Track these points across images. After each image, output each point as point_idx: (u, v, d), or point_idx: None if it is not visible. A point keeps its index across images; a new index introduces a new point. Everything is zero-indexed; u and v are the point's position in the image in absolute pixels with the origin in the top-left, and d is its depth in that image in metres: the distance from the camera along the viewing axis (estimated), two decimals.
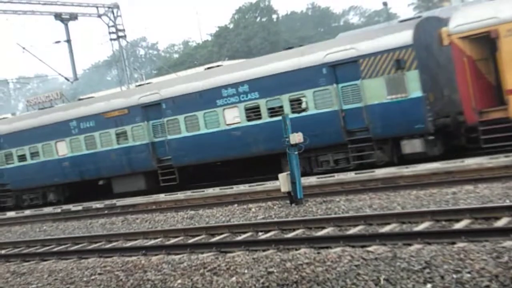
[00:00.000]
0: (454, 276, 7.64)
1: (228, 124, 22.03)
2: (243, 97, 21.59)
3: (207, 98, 22.41)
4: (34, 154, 27.72)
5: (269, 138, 20.53)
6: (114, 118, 24.94)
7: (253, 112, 21.53)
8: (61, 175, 26.90)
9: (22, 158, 28.20)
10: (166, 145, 23.74)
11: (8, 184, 28.82)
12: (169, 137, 23.64)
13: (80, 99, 30.60)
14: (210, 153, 22.65)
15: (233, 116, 21.86)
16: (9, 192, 28.98)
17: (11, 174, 28.78)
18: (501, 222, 10.08)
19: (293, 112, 20.20)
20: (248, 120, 21.58)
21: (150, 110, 24.04)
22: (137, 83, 36.83)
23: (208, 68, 25.66)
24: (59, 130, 26.63)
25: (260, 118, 21.27)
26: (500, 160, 15.28)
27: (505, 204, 11.10)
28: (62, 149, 26.63)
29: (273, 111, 20.94)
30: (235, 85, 21.73)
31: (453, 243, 9.07)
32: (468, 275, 7.59)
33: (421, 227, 10.69)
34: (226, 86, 21.96)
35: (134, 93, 25.47)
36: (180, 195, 21.20)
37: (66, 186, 27.56)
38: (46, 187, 27.87)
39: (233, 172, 24.11)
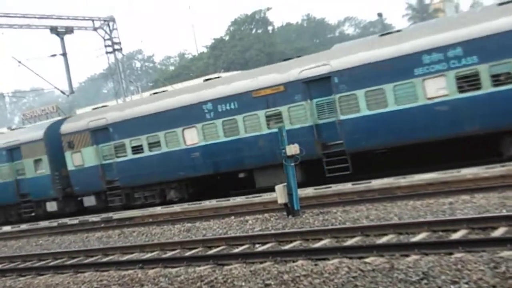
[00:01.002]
0: (452, 287, 7.64)
1: (429, 98, 18.07)
2: (453, 64, 17.66)
3: (400, 67, 18.49)
4: (153, 145, 23.59)
5: (490, 113, 17.12)
6: (264, 97, 20.97)
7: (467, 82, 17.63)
8: (188, 168, 22.75)
9: (137, 149, 24.14)
10: (337, 127, 19.79)
11: (116, 180, 24.99)
12: (343, 116, 19.63)
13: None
14: (405, 134, 18.60)
15: (437, 88, 17.91)
16: (117, 189, 25.11)
17: (122, 169, 24.71)
18: (498, 232, 10.08)
19: None
20: (460, 92, 17.63)
21: (314, 86, 20.06)
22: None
23: (384, 34, 21.26)
24: (188, 115, 22.53)
25: (479, 89, 17.28)
26: (497, 170, 15.31)
27: (502, 214, 11.10)
28: (192, 137, 22.59)
29: (498, 79, 17.10)
30: (442, 49, 17.82)
31: (451, 253, 9.07)
32: (466, 285, 7.58)
33: (418, 237, 10.68)
34: (429, 51, 18.02)
35: (293, 66, 21.01)
36: (176, 208, 21.17)
37: (192, 181, 23.47)
38: (167, 183, 23.72)
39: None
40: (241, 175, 22.48)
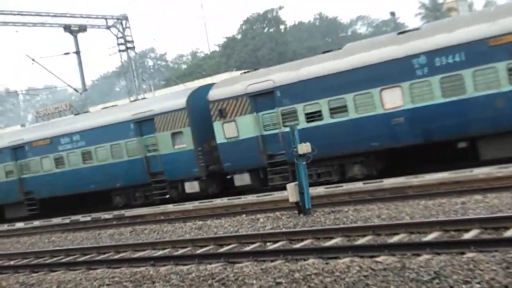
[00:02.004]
0: (464, 286, 7.60)
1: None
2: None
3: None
4: (337, 110, 19.83)
5: None
6: (506, 45, 16.96)
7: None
8: (385, 137, 18.99)
9: (313, 116, 20.33)
10: None
11: (281, 154, 21.14)
12: None
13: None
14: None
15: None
16: (282, 165, 21.33)
17: (290, 140, 19.30)
18: (511, 232, 10.02)
19: None
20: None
21: None
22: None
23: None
24: (388, 72, 18.76)
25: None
26: (510, 169, 15.20)
27: None
28: (393, 99, 18.77)
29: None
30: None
31: (463, 253, 9.02)
32: (478, 285, 7.54)
33: (430, 237, 10.64)
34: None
35: None
36: (188, 206, 21.22)
37: (386, 153, 19.99)
38: (349, 156, 20.10)
39: None
40: (462, 144, 18.73)
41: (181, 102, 23.68)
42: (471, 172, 15.89)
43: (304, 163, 15.30)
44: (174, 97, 24.85)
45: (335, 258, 10.13)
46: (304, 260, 10.41)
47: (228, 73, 50.51)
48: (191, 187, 23.71)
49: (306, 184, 15.25)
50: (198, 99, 23.52)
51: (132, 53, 41.64)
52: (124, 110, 26.41)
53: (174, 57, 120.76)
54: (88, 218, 23.46)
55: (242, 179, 22.33)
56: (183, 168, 23.61)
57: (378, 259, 9.37)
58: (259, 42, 77.34)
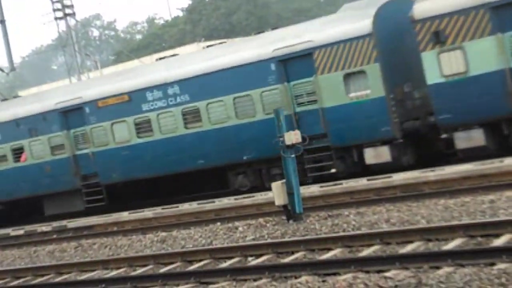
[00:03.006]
0: None
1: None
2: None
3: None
4: None
5: None
6: None
7: None
8: None
9: None
10: None
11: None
12: None
13: None
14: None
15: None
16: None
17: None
18: None
19: None
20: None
21: None
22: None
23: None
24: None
25: None
26: None
27: None
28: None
29: None
30: None
31: (492, 264, 9.11)
32: None
33: (452, 245, 10.73)
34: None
35: None
36: (148, 213, 21.17)
37: None
38: None
39: None
40: None
41: (363, 25, 19.74)
42: (501, 163, 16.04)
43: (293, 156, 15.32)
44: (348, 19, 20.59)
45: (334, 274, 10.18)
46: (296, 277, 10.44)
47: (195, 44, 50.37)
48: (377, 155, 19.63)
49: (296, 183, 15.27)
50: (388, 19, 20.20)
51: (72, 21, 41.43)
52: (257, 44, 21.86)
53: (126, 25, 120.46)
54: (21, 232, 23.31)
55: (469, 139, 18.56)
56: (363, 127, 19.75)
57: (387, 274, 9.44)
58: (233, 4, 77.14)
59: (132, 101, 23.10)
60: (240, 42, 23.28)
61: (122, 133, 23.50)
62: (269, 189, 17.71)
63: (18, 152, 25.63)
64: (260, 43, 21.55)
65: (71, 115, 24.54)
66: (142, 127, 23.11)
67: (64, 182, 24.78)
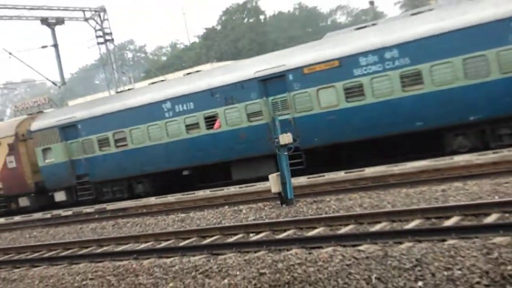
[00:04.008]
0: (445, 273, 7.68)
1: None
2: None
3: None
4: None
5: None
6: None
7: None
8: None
9: None
10: None
11: None
12: None
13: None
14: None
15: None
16: None
17: None
18: (491, 219, 10.14)
19: None
20: None
21: None
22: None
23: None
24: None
25: None
26: (489, 156, 15.37)
27: (494, 200, 11.16)
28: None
29: None
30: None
31: (444, 240, 9.11)
32: (459, 272, 7.63)
33: (412, 225, 10.73)
34: None
35: None
36: (170, 198, 21.17)
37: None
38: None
39: None
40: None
41: None
42: (451, 160, 16.04)
43: (286, 153, 15.32)
44: None
45: (318, 247, 10.17)
46: (287, 250, 10.44)
47: (209, 64, 50.33)
48: None
49: (288, 175, 15.28)
50: None
51: (110, 46, 41.33)
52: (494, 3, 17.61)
53: (154, 48, 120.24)
54: (70, 212, 23.31)
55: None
56: None
57: (360, 247, 9.43)
58: (239, 32, 77.11)
59: (342, 66, 19.43)
60: (468, 5, 18.40)
61: (329, 98, 19.71)
62: (493, 148, 16.63)
63: (211, 120, 22.26)
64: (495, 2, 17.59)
65: (270, 83, 20.92)
66: (352, 92, 19.34)
67: (259, 148, 20.87)
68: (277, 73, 20.67)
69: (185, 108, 22.62)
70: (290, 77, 20.38)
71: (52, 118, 26.94)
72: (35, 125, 27.13)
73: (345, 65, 19.29)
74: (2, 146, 27.95)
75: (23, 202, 27.69)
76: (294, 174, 18.20)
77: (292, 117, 20.39)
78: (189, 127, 22.67)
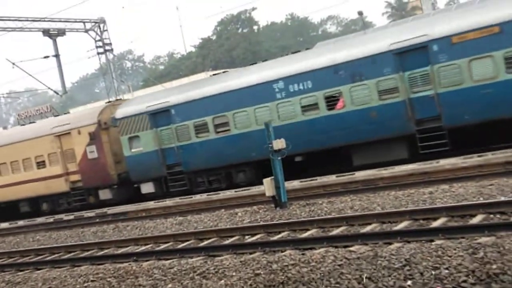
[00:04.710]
0: (433, 272, 7.69)
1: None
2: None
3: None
4: None
5: None
6: None
7: None
8: None
9: None
10: None
11: None
12: None
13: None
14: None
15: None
16: None
17: None
18: (476, 219, 10.17)
19: None
20: None
21: None
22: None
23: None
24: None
25: None
26: (474, 159, 15.41)
27: (479, 202, 11.19)
28: None
29: None
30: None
31: (431, 240, 9.13)
32: (446, 271, 7.64)
33: (400, 226, 10.74)
34: None
35: None
36: (168, 202, 21.12)
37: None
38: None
39: None
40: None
41: None
42: (437, 163, 16.06)
43: (279, 158, 15.32)
44: None
45: (311, 248, 10.18)
46: (282, 251, 10.44)
47: (204, 73, 50.32)
48: None
49: (282, 179, 15.27)
50: None
51: (110, 55, 41.20)
52: None
53: (152, 58, 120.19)
54: (72, 217, 23.23)
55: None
56: None
57: (351, 248, 9.44)
58: (233, 42, 77.19)
59: (504, 33, 16.38)
60: None
61: (485, 70, 16.72)
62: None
63: (333, 100, 19.45)
64: None
65: (408, 56, 17.95)
66: None
67: (392, 128, 18.36)
68: (418, 44, 17.64)
69: (301, 87, 19.77)
70: (435, 47, 17.33)
71: (140, 104, 24.11)
72: (121, 112, 24.26)
73: (508, 31, 16.30)
74: (82, 135, 25.35)
75: (104, 194, 25.20)
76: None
77: (435, 93, 17.45)
78: (305, 108, 19.79)
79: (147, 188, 23.92)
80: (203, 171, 22.35)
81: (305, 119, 19.79)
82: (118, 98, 37.29)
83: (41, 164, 26.81)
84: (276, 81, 20.22)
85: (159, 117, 22.99)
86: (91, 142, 25.11)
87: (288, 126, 19.93)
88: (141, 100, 24.66)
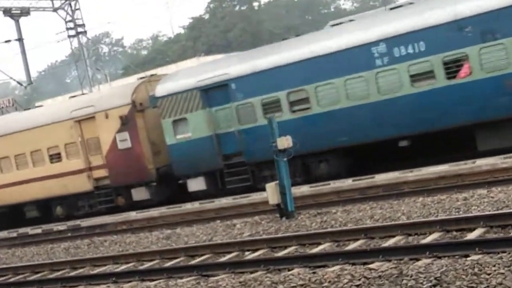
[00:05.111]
0: None
1: None
2: None
3: None
4: None
5: None
6: None
7: None
8: None
9: None
10: None
11: None
12: None
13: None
14: None
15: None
16: None
17: None
18: None
19: None
20: None
21: None
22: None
23: None
24: None
25: None
26: None
27: None
28: None
29: None
30: None
31: (466, 255, 9.12)
32: None
33: (429, 239, 10.74)
34: None
35: None
36: (153, 213, 21.15)
37: None
38: None
39: None
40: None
41: None
42: (473, 164, 16.06)
43: (285, 159, 15.32)
44: None
45: (323, 266, 10.16)
46: (288, 270, 10.43)
47: (195, 59, 50.38)
48: None
49: (288, 183, 15.27)
50: None
51: (83, 39, 41.29)
52: None
53: (133, 42, 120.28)
54: (39, 230, 23.25)
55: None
56: None
57: (372, 266, 9.43)
58: (229, 22, 77.23)
59: None
60: None
61: None
62: None
63: (454, 65, 17.98)
64: None
65: None
66: None
67: None
68: None
69: (410, 51, 18.12)
70: None
71: (188, 77, 22.42)
72: (163, 89, 22.45)
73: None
74: (111, 119, 23.49)
75: (139, 194, 23.37)
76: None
77: None
78: (415, 77, 18.28)
79: (196, 184, 22.20)
80: (272, 162, 20.54)
81: (415, 91, 18.30)
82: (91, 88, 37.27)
83: (55, 157, 25.20)
84: (375, 43, 18.71)
85: (214, 93, 21.45)
86: (122, 128, 23.36)
87: (391, 101, 18.51)
88: (189, 73, 23.02)
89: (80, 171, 24.52)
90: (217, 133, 21.52)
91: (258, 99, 20.50)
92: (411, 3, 19.84)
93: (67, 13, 40.28)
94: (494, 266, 8.21)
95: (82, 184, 24.54)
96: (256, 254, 12.39)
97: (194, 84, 21.80)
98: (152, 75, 26.07)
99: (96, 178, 24.43)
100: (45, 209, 26.29)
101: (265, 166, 20.39)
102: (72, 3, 40.25)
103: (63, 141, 24.81)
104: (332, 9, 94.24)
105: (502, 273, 7.95)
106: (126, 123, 23.19)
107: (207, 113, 21.50)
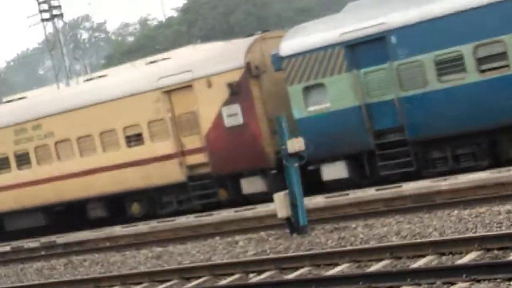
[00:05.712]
0: None
1: None
2: None
3: None
4: None
5: None
6: None
7: None
8: None
9: None
10: None
11: None
12: None
13: None
14: None
15: None
16: None
17: None
18: None
19: None
20: None
21: None
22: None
23: None
24: None
25: None
26: None
27: None
28: None
29: None
30: None
31: (510, 279, 9.13)
32: None
33: (466, 259, 10.74)
34: None
35: None
36: (142, 227, 21.16)
37: None
38: None
39: None
40: None
41: None
42: None
43: (296, 165, 15.33)
44: None
45: None
46: None
47: (191, 46, 50.44)
48: None
49: (300, 193, 15.28)
50: None
51: (60, 23, 41.51)
52: None
53: (117, 27, 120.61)
54: (7, 248, 23.29)
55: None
56: None
57: None
58: (231, 3, 77.30)
59: None
60: None
61: None
62: None
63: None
64: None
65: None
66: None
67: None
68: None
69: None
70: None
71: (327, 30, 20.49)
72: (291, 46, 20.44)
73: None
74: (215, 88, 21.56)
75: (252, 185, 21.27)
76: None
77: None
78: None
79: (335, 172, 20.14)
80: (446, 140, 18.47)
81: None
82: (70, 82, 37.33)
83: (135, 140, 23.17)
84: None
85: (365, 50, 19.53)
86: (231, 100, 21.35)
87: None
88: (327, 25, 21.07)
89: (168, 157, 22.45)
90: (367, 103, 19.51)
91: (430, 56, 18.56)
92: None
93: None
94: None
95: (171, 173, 22.47)
96: (262, 276, 12.41)
97: (336, 38, 19.82)
98: (264, 31, 23.78)
99: (191, 166, 22.36)
100: (115, 207, 24.30)
101: (436, 146, 18.97)
102: None
103: (146, 118, 22.77)
104: None
105: None
106: (237, 92, 21.20)
107: (353, 77, 19.56)
